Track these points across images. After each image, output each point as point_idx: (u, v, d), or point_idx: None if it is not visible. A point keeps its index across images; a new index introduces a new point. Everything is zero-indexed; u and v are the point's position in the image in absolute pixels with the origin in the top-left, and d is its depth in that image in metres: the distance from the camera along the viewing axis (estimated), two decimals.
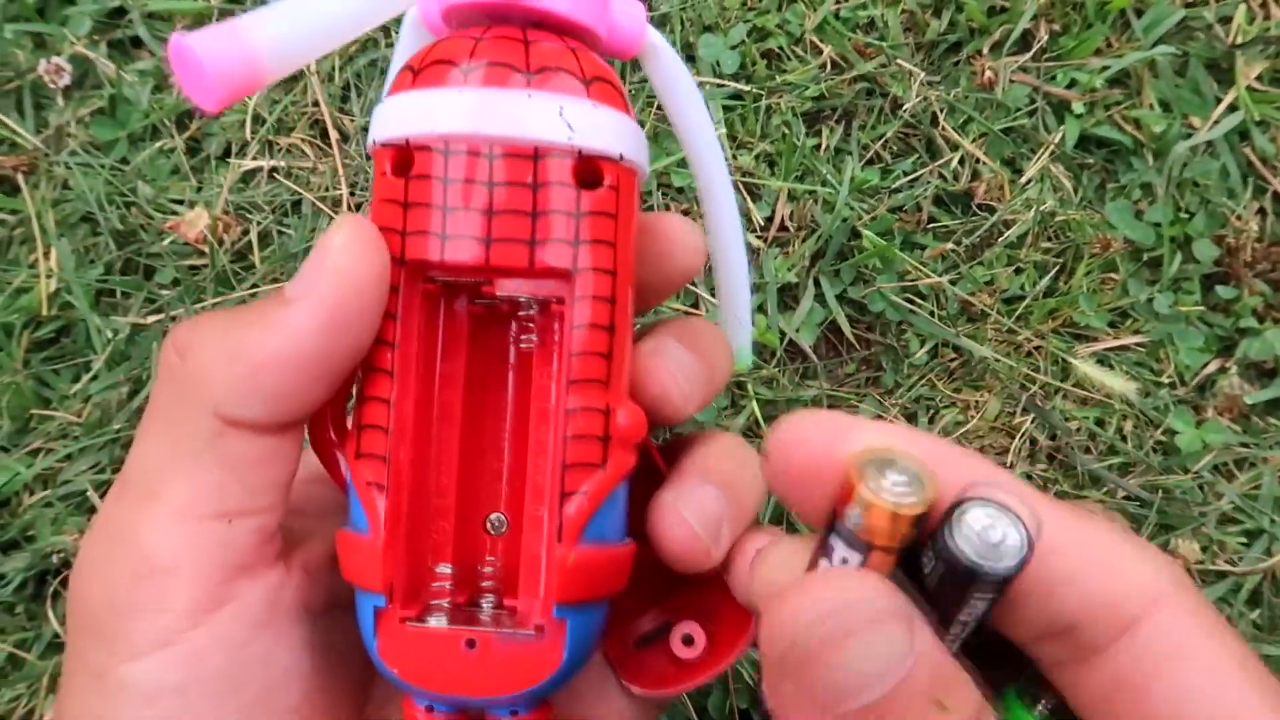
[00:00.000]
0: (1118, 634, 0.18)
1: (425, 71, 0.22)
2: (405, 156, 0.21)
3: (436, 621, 0.21)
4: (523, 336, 0.24)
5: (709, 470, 0.23)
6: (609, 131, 0.21)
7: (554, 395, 0.23)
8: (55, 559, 0.55)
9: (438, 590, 0.22)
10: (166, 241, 0.60)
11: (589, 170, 0.21)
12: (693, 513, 0.23)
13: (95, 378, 0.58)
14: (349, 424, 0.23)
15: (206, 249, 0.59)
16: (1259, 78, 0.64)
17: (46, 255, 0.59)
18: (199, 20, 0.63)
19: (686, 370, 0.24)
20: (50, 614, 0.54)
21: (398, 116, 0.21)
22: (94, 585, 0.20)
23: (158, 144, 0.62)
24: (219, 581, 0.20)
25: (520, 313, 0.23)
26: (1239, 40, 0.63)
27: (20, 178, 0.61)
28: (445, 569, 0.23)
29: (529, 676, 0.21)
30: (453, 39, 0.22)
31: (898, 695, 0.14)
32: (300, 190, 0.61)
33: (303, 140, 0.62)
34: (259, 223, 0.61)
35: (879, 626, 0.14)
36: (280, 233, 0.61)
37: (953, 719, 0.14)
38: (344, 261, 0.20)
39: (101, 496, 0.56)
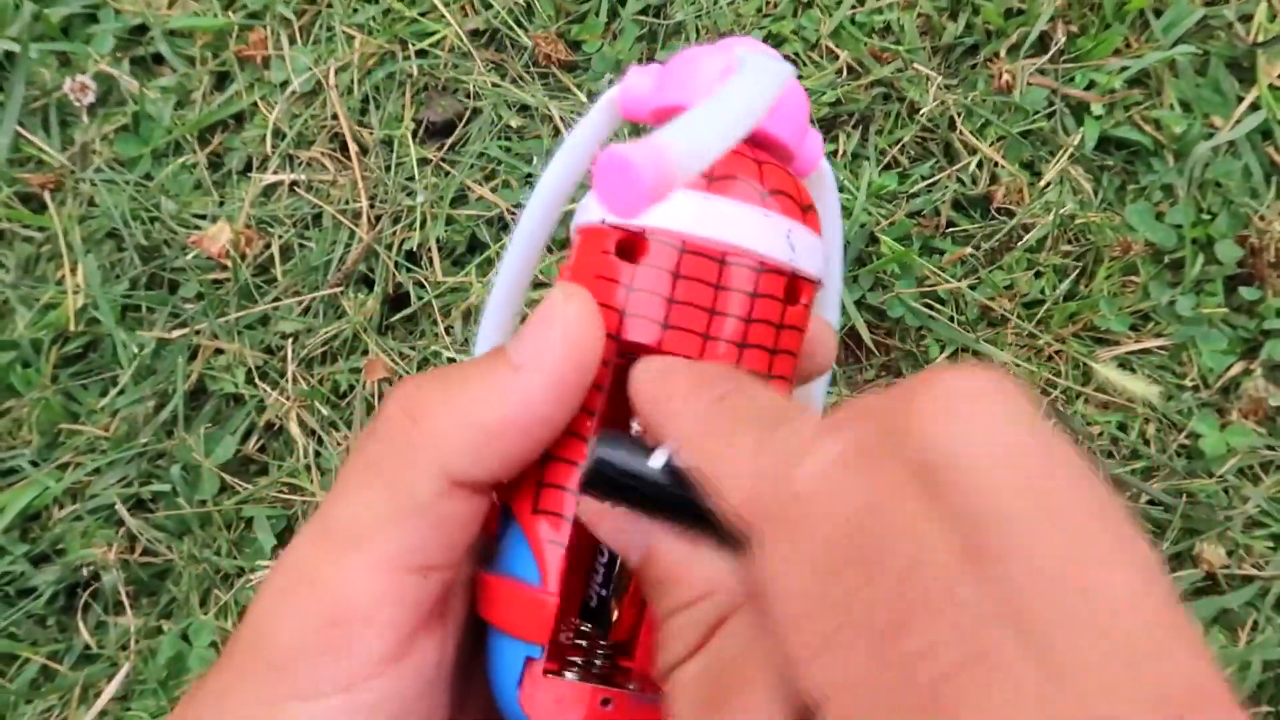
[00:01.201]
0: None
1: None
2: (637, 243, 0.22)
3: (573, 676, 0.22)
4: None
5: None
6: (815, 256, 0.24)
7: None
8: (85, 572, 0.55)
9: (572, 646, 0.23)
10: (190, 256, 0.61)
11: (794, 288, 0.23)
12: None
13: (122, 392, 0.58)
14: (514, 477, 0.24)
15: (229, 263, 0.60)
16: None
17: (73, 271, 0.60)
18: (219, 38, 0.64)
19: None
20: (81, 626, 0.55)
21: None
22: (280, 621, 0.21)
23: (180, 159, 0.63)
24: (406, 635, 0.21)
25: None
26: (1260, 38, 0.63)
27: (47, 195, 0.62)
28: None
29: None
30: None
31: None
32: (320, 203, 0.61)
33: (322, 154, 0.63)
34: (280, 236, 0.61)
35: None
36: (301, 246, 0.61)
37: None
38: (576, 332, 0.22)
39: (130, 510, 0.56)
